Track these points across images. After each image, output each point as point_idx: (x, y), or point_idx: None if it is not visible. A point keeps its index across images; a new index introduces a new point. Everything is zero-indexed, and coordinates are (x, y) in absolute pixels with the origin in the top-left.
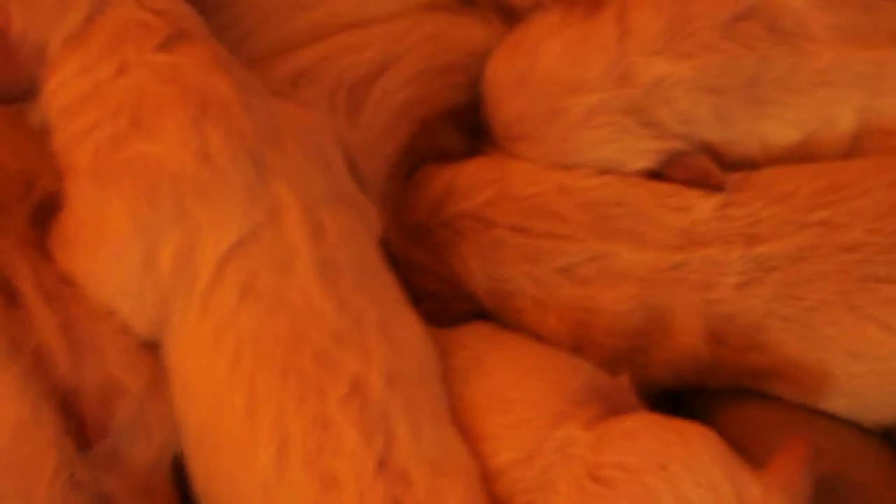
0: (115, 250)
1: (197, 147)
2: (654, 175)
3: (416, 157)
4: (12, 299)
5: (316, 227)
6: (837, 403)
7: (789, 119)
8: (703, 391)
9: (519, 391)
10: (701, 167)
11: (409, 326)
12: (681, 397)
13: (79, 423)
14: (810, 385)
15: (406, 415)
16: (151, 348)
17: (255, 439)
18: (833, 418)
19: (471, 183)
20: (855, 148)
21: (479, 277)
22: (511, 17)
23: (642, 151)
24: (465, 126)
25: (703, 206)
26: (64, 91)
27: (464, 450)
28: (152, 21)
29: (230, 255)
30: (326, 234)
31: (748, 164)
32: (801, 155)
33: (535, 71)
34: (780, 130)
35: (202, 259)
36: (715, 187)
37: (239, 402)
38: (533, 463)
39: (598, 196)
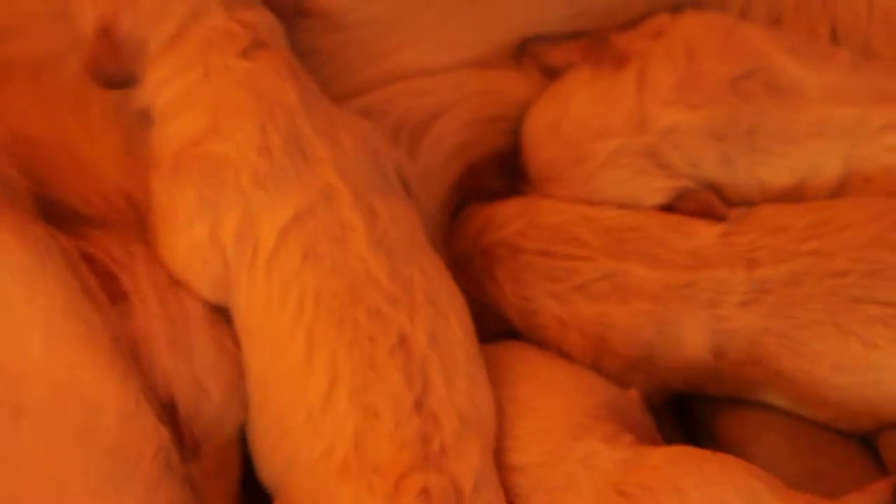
0: (186, 221)
1: (259, 144)
2: (666, 208)
3: (463, 197)
4: (115, 296)
5: (368, 209)
6: (823, 412)
7: (784, 166)
8: (706, 397)
9: (542, 403)
10: (706, 200)
11: (453, 300)
12: (685, 403)
13: (174, 427)
14: (800, 395)
15: (443, 371)
16: (226, 352)
17: (308, 379)
18: (818, 425)
19: (505, 216)
20: (840, 190)
21: (511, 298)
22: (550, 73)
23: (657, 189)
24: (507, 170)
25: (707, 232)
26: (164, 91)
27: (491, 410)
28: (237, 30)
29: (290, 227)
30: (378, 216)
31: (748, 203)
32: (795, 197)
33: (566, 120)
34: (776, 176)
35: (262, 232)
36: (718, 217)
37: (298, 347)
38: (557, 468)
39: (615, 224)
